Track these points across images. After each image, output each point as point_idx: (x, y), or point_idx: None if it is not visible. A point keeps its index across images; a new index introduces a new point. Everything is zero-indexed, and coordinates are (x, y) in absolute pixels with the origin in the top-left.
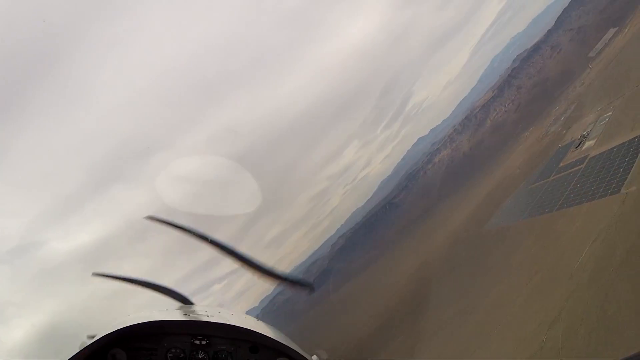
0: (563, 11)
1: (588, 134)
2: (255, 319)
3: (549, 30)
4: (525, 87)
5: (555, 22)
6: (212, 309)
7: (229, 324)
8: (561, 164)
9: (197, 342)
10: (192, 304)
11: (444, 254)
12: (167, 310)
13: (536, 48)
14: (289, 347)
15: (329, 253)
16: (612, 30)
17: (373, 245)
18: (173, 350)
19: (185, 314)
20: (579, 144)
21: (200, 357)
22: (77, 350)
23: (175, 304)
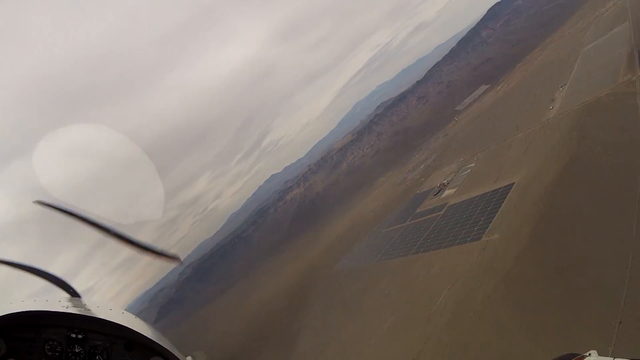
0: (435, 65)
1: (448, 183)
2: (134, 316)
3: (418, 82)
4: (386, 133)
5: (426, 74)
6: (92, 303)
7: (104, 320)
8: (418, 210)
9: (74, 335)
10: (78, 296)
11: (294, 290)
12: (47, 301)
13: (402, 97)
14: (163, 347)
15: (175, 282)
16: (483, 87)
17: (220, 277)
18: (51, 343)
19: (65, 307)
20: (439, 192)
21: (76, 351)
22: None
23: (61, 295)
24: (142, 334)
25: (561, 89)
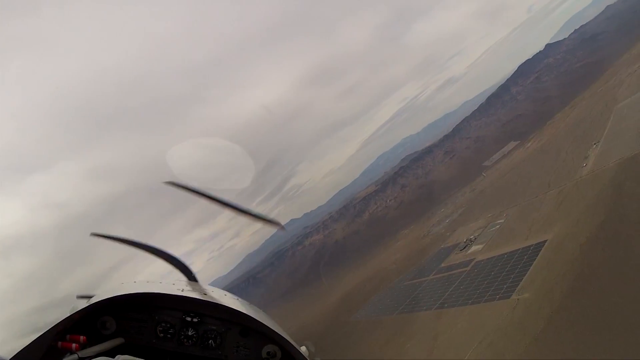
0: (463, 120)
1: (475, 239)
2: (248, 303)
3: (445, 136)
4: (411, 186)
5: (454, 129)
6: (208, 288)
7: (221, 304)
8: (443, 264)
9: (189, 318)
10: (195, 280)
11: (306, 338)
12: (160, 283)
13: (428, 151)
14: (279, 335)
15: None
16: (512, 143)
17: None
18: (163, 324)
19: (181, 290)
20: (465, 247)
21: (189, 334)
22: (68, 314)
23: (179, 277)
24: (258, 320)
25: (594, 146)
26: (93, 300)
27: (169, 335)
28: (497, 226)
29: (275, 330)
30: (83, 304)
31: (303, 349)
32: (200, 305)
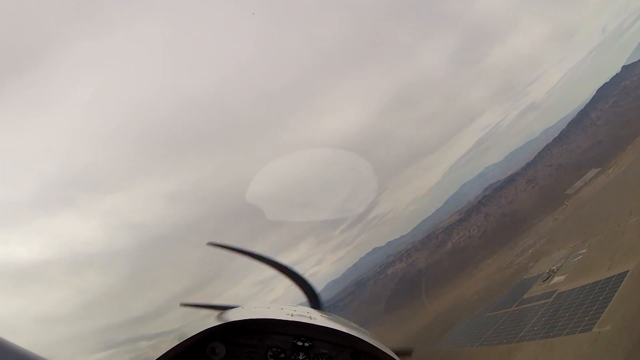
0: (545, 147)
1: (558, 269)
2: (358, 326)
3: (528, 164)
4: (494, 215)
5: (535, 156)
6: (317, 312)
7: (332, 328)
8: (525, 296)
9: (300, 343)
10: (315, 295)
11: None
12: (269, 308)
13: (510, 179)
14: (389, 356)
15: None
16: (594, 171)
17: None
18: (274, 349)
19: (290, 314)
20: (547, 278)
21: (300, 358)
22: (177, 341)
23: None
24: (369, 343)
25: None
26: (203, 327)
27: None
28: (580, 256)
29: (386, 352)
30: (192, 329)
31: None
32: (311, 329)
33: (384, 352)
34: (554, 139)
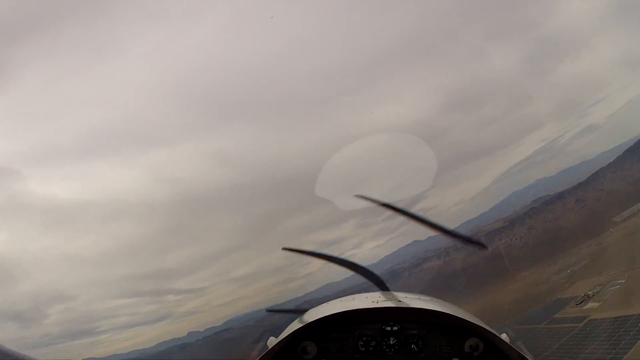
0: (598, 170)
1: (593, 295)
2: (442, 301)
3: (579, 184)
4: (538, 229)
5: (588, 177)
6: (399, 294)
7: (419, 308)
8: (556, 315)
9: (389, 328)
10: (386, 288)
11: None
12: (353, 299)
13: (560, 196)
14: (479, 326)
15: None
16: None
17: None
18: (364, 338)
19: (376, 301)
20: (581, 302)
21: (391, 342)
22: (267, 347)
23: (371, 288)
24: (456, 316)
25: None
26: (291, 330)
27: (370, 349)
28: (617, 286)
29: (474, 323)
30: (280, 332)
31: (504, 336)
32: (397, 313)
33: (471, 322)
34: (609, 163)
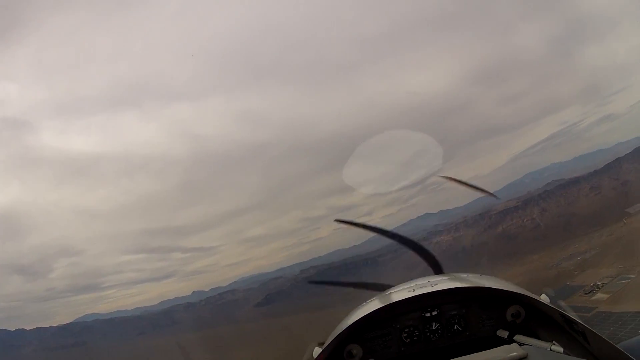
0: (615, 160)
1: (603, 286)
2: (475, 275)
3: (595, 171)
4: (551, 212)
5: (604, 166)
6: (432, 277)
7: (454, 288)
8: (564, 303)
9: (428, 314)
10: (441, 270)
11: None
12: (388, 294)
13: (575, 181)
14: (517, 293)
15: (294, 276)
16: None
17: (339, 289)
18: (407, 330)
19: (410, 290)
20: (590, 292)
21: (433, 328)
22: (313, 359)
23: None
24: (493, 287)
25: None
26: (333, 336)
27: (415, 338)
28: (628, 280)
29: (512, 290)
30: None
31: (543, 297)
32: (434, 297)
33: (508, 290)
34: (627, 154)
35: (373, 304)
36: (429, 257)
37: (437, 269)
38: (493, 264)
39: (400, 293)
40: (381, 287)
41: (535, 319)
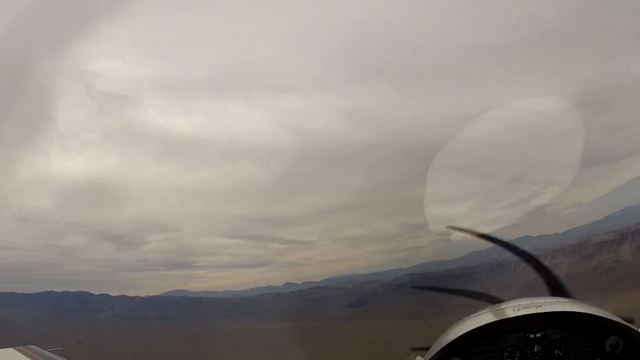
0: None
1: None
2: (579, 300)
3: None
4: None
5: None
6: (538, 299)
7: (560, 311)
8: None
9: (532, 335)
10: (563, 291)
11: None
12: (497, 310)
13: None
14: (618, 323)
15: (389, 282)
16: None
17: (430, 300)
18: (509, 349)
19: (515, 309)
20: None
21: (535, 350)
22: None
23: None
24: (596, 315)
25: None
26: (436, 349)
27: (515, 357)
28: None
29: (613, 320)
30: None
31: None
32: (539, 319)
33: (609, 319)
34: None
35: (480, 319)
36: (549, 277)
37: (557, 290)
38: (582, 296)
39: (506, 311)
40: (489, 298)
41: (633, 351)
